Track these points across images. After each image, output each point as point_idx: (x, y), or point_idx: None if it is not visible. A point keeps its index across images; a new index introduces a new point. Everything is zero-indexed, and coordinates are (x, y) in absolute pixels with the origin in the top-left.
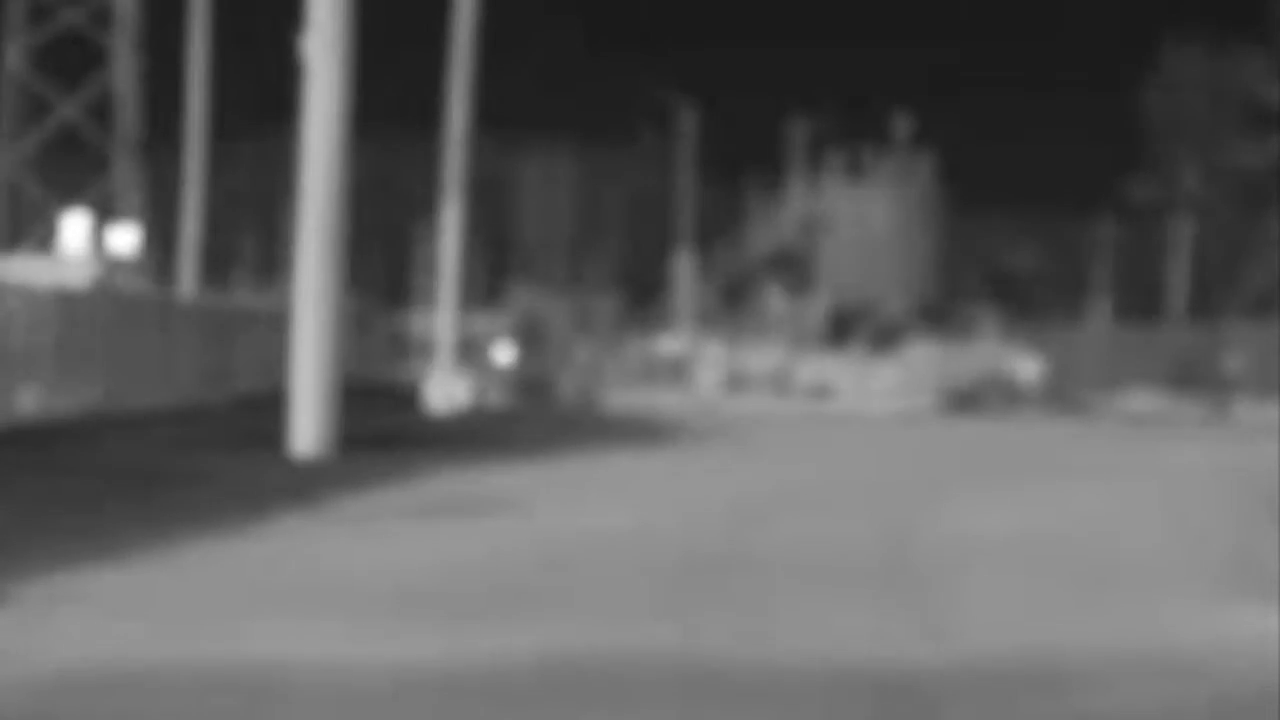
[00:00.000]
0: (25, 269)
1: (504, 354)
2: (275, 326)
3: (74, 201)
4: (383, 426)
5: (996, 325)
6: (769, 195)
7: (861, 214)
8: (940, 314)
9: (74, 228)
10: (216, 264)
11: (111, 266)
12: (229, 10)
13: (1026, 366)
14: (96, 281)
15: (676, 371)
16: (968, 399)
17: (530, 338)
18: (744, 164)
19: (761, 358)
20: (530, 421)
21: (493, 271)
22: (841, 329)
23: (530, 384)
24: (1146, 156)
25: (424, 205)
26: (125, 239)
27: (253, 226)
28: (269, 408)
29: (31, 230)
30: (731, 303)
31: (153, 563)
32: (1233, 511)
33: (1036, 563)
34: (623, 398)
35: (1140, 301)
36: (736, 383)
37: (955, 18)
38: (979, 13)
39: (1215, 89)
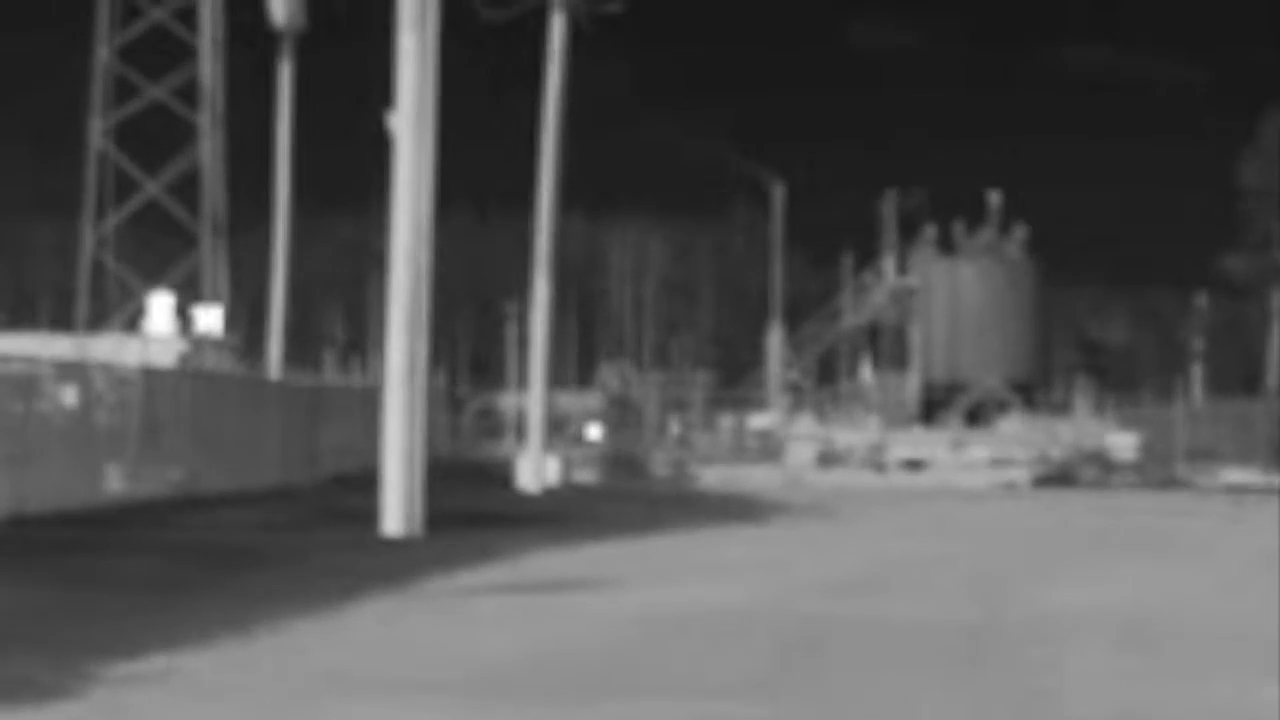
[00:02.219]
0: (111, 348)
1: (595, 431)
2: (364, 405)
3: (159, 280)
4: (473, 505)
5: (1090, 399)
6: (862, 270)
7: (954, 288)
8: (1034, 388)
9: (160, 306)
10: (305, 342)
11: (198, 345)
12: (315, 86)
13: (1122, 441)
14: (183, 360)
15: (769, 447)
16: (1062, 473)
17: (622, 415)
18: (837, 240)
19: (855, 433)
20: (622, 499)
21: (584, 348)
22: (935, 404)
23: (622, 461)
24: (1242, 230)
25: (516, 283)
26: (211, 317)
27: (341, 304)
28: (358, 487)
29: (117, 309)
30: (824, 378)
31: (238, 643)
32: None
33: (1135, 640)
34: (715, 474)
35: (1236, 375)
36: (830, 458)
37: (1051, 88)
38: (1072, 85)
39: None
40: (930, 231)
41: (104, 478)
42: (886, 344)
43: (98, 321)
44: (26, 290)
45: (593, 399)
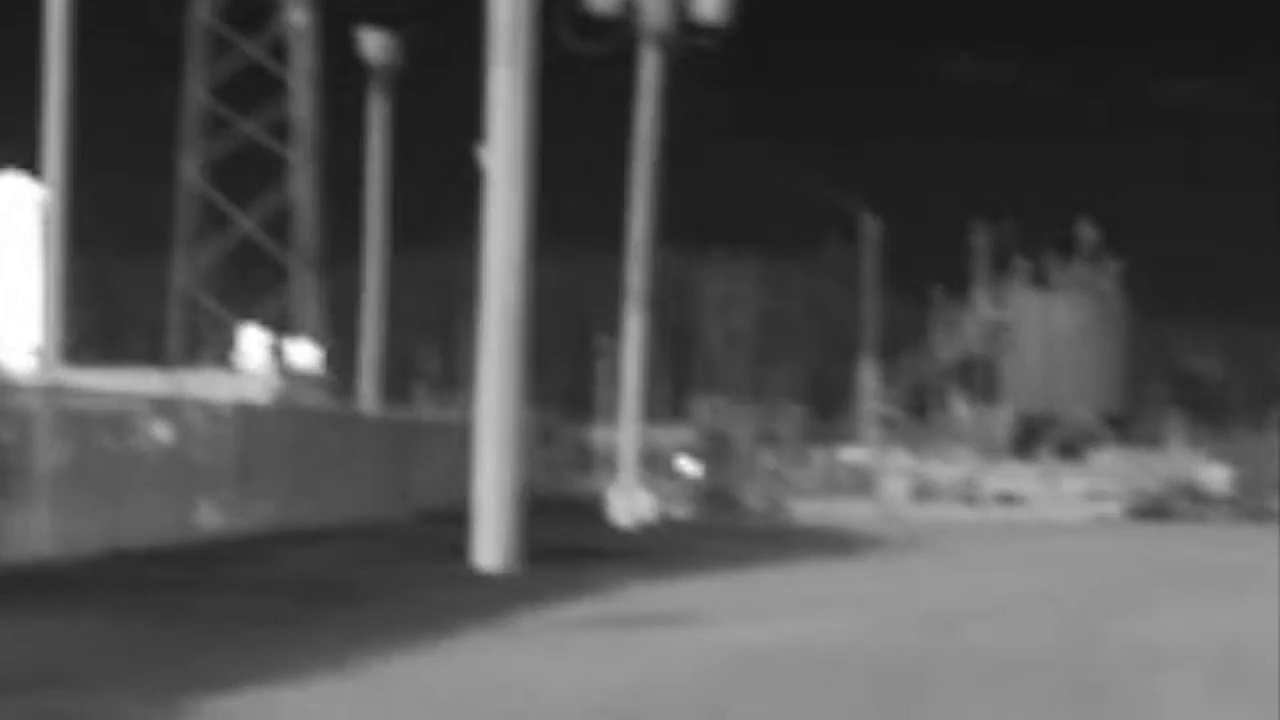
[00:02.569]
0: (205, 383)
1: (689, 466)
2: (458, 440)
3: (252, 315)
4: (567, 539)
5: (1184, 432)
6: (954, 304)
7: (1047, 322)
8: (1127, 421)
9: (253, 342)
10: (398, 376)
11: (291, 380)
12: (407, 121)
13: (1215, 473)
14: (276, 395)
15: (862, 481)
16: (1156, 506)
17: (715, 449)
18: (928, 273)
19: (948, 467)
20: (716, 533)
21: (677, 383)
22: (1028, 437)
23: (716, 496)
24: None
25: (608, 317)
26: (304, 352)
27: (434, 339)
28: (452, 521)
29: (210, 344)
30: (916, 412)
31: (335, 677)
32: None
33: (1232, 673)
34: (809, 508)
35: None
36: (923, 492)
37: (1143, 120)
38: (1165, 117)
39: None
40: (1022, 265)
41: (198, 513)
42: (979, 377)
43: (191, 357)
44: (119, 326)
45: (686, 433)
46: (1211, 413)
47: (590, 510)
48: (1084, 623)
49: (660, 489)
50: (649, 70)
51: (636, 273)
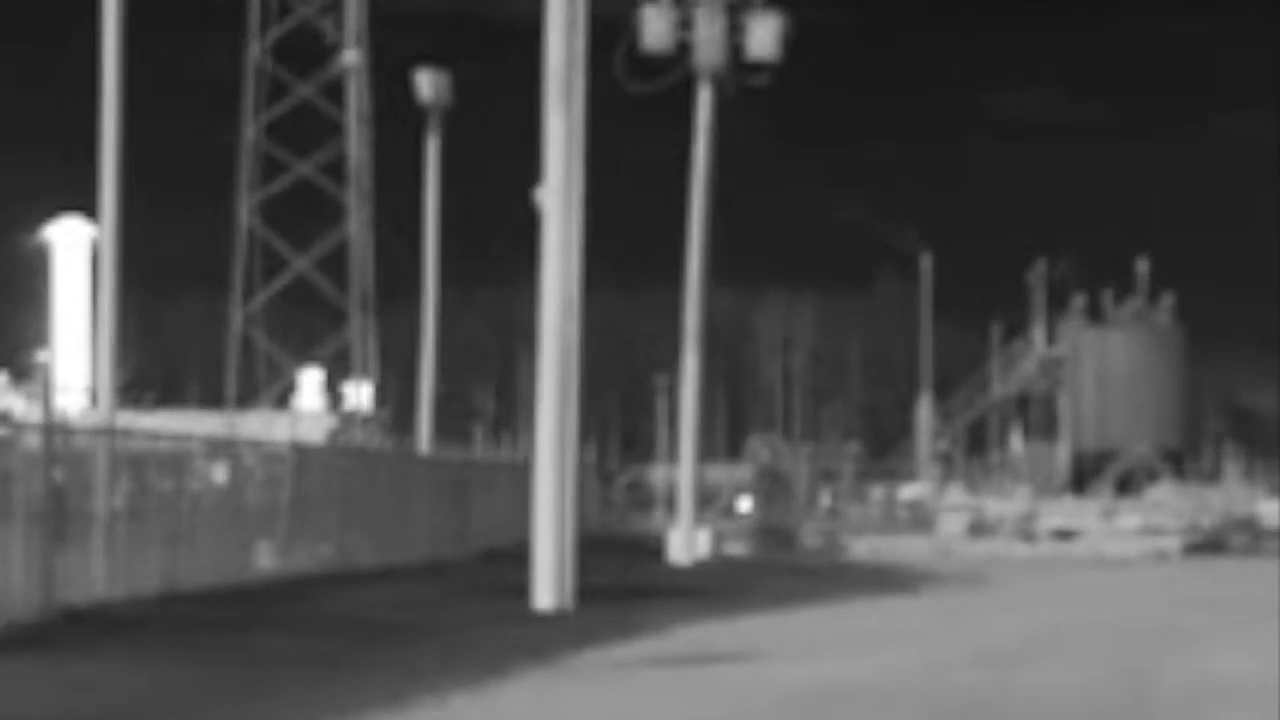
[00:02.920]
0: (261, 425)
1: (746, 503)
2: (514, 479)
3: (308, 356)
4: (624, 578)
5: (1240, 466)
6: (1010, 340)
7: (1103, 357)
8: (1184, 456)
9: (309, 382)
10: (454, 416)
11: (347, 421)
12: (462, 162)
13: (1271, 508)
14: (332, 436)
15: (919, 518)
16: (1212, 541)
17: (772, 487)
18: (984, 309)
19: (1005, 502)
20: (772, 571)
21: (733, 420)
22: (1085, 472)
23: (772, 533)
24: None
25: (665, 352)
26: (361, 393)
27: (491, 378)
28: (509, 561)
29: (266, 386)
30: (974, 448)
31: (395, 717)
32: None
33: None
34: (866, 545)
35: None
36: (980, 528)
37: (1196, 162)
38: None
39: None
40: (1079, 300)
41: (254, 554)
42: (1036, 413)
43: (247, 398)
44: (176, 368)
45: (743, 471)
46: (1269, 447)
47: (649, 549)
48: (1137, 660)
49: (718, 527)
50: (703, 109)
51: (692, 312)
